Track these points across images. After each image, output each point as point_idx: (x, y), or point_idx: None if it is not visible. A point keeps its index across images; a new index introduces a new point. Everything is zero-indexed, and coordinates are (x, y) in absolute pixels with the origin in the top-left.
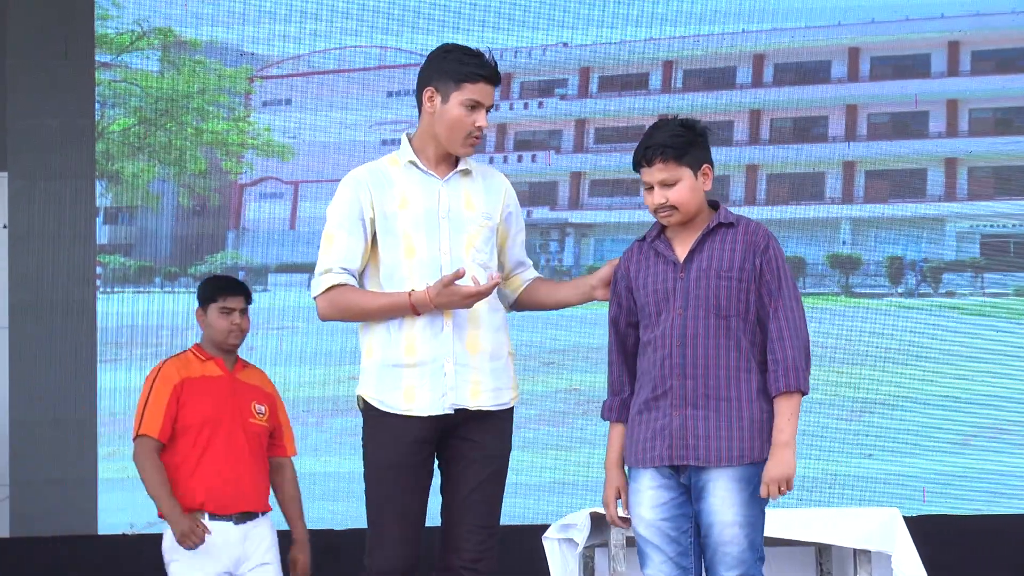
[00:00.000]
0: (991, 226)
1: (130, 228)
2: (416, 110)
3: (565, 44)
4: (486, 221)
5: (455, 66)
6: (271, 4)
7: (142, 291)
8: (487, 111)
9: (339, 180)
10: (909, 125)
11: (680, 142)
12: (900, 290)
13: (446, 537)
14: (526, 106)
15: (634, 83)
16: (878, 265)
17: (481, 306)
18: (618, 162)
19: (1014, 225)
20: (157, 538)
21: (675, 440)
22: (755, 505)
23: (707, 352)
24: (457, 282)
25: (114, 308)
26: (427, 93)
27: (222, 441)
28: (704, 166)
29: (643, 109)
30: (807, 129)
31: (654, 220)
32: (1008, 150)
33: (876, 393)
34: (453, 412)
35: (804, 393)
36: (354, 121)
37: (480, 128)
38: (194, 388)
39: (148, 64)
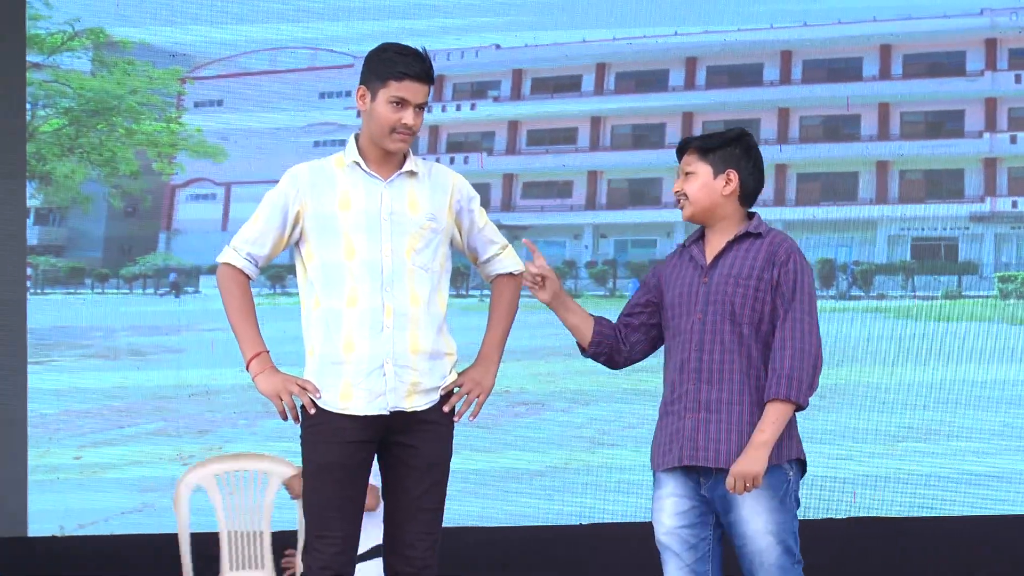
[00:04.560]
0: (922, 229)
1: (61, 229)
2: (348, 112)
3: (498, 46)
4: (429, 223)
5: (384, 65)
6: (202, 5)
7: (73, 292)
8: (418, 109)
9: (272, 181)
10: (841, 128)
11: (710, 141)
12: (831, 292)
13: (391, 544)
14: (459, 108)
15: (567, 85)
16: None
17: (420, 306)
18: (550, 164)
19: (945, 228)
20: (87, 540)
21: (686, 442)
22: (784, 510)
23: (722, 358)
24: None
25: (45, 309)
26: (359, 92)
27: None
28: (729, 171)
29: (575, 111)
30: None
31: (583, 222)
32: (939, 153)
33: None
34: (389, 414)
35: (799, 406)
36: (286, 122)
37: (407, 125)
38: None
39: (79, 65)
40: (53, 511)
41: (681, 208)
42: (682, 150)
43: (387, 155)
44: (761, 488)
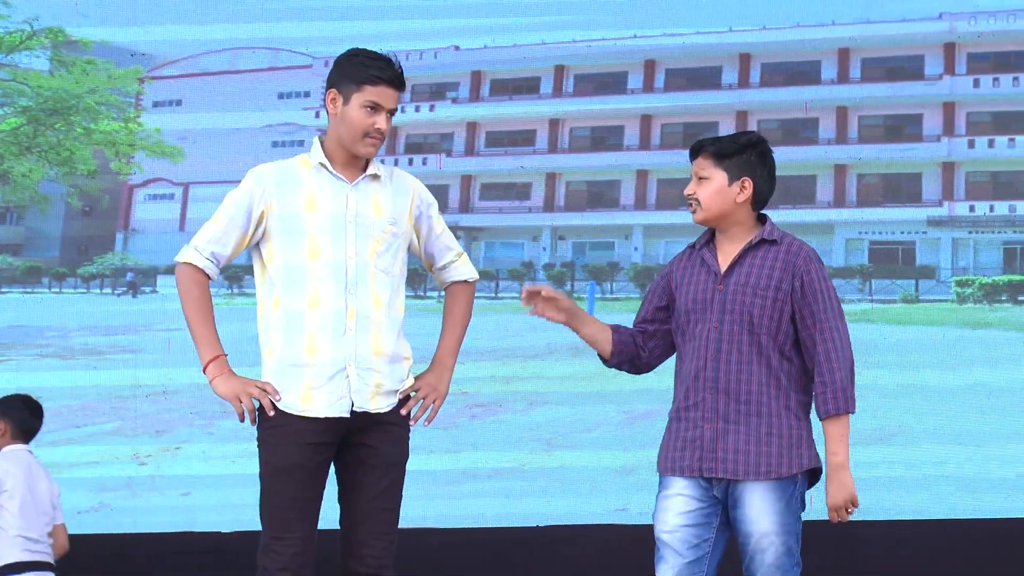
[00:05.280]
0: (880, 233)
1: (18, 228)
2: (307, 113)
3: (457, 48)
4: (390, 227)
5: (357, 69)
6: (162, 5)
7: (30, 292)
8: (389, 114)
9: (230, 181)
10: (799, 131)
11: (726, 147)
12: None
13: (347, 544)
14: (417, 109)
15: (525, 87)
16: None
17: (382, 308)
18: (508, 165)
19: (902, 232)
20: None
21: (705, 453)
22: (790, 513)
23: (739, 367)
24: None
25: (1, 309)
26: (330, 95)
27: None
28: (744, 179)
29: (533, 113)
30: (697, 135)
31: (541, 224)
32: (897, 157)
33: None
34: (350, 415)
35: (852, 412)
36: (245, 122)
37: (379, 130)
38: None
39: (38, 63)
40: None
41: (692, 212)
42: (695, 152)
43: (353, 158)
44: (768, 489)
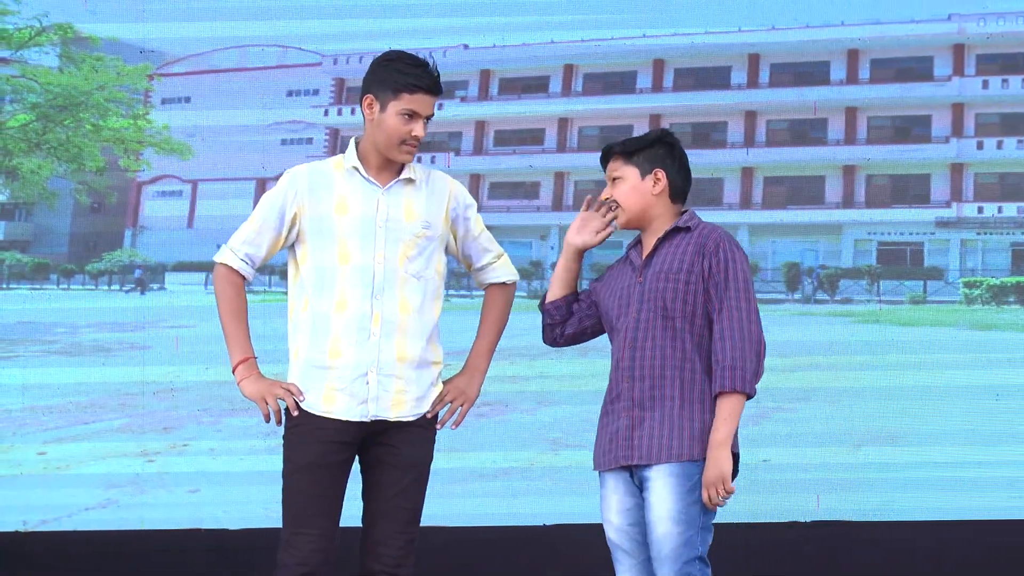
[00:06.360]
0: (888, 234)
1: (27, 224)
2: (316, 111)
3: (466, 46)
4: (424, 231)
5: (395, 75)
6: (171, 2)
7: (38, 288)
8: (426, 120)
9: (238, 179)
10: (808, 132)
11: (633, 144)
12: (797, 296)
13: (366, 542)
14: None
15: (534, 86)
16: (775, 271)
17: (410, 313)
18: (517, 164)
19: (911, 233)
20: (50, 535)
21: (622, 442)
22: (693, 500)
23: (654, 354)
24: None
25: (10, 305)
26: (367, 100)
27: None
28: (656, 171)
29: (542, 112)
30: (706, 135)
31: (549, 223)
32: (906, 158)
33: (770, 399)
34: (371, 421)
35: (748, 395)
36: (254, 120)
37: (416, 137)
38: None
39: (47, 60)
40: (16, 506)
41: (615, 217)
42: (606, 157)
43: (387, 162)
44: (673, 473)
